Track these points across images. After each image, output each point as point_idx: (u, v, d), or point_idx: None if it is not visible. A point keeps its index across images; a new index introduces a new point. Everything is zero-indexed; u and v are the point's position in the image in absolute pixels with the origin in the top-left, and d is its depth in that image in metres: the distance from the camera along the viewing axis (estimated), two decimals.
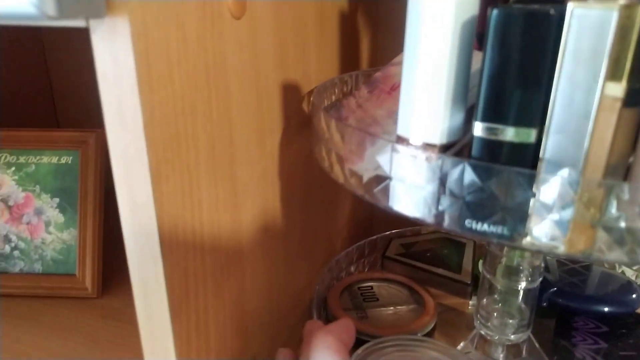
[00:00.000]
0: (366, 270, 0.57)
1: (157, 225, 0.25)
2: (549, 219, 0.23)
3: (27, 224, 0.53)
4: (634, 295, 0.46)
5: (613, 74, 0.22)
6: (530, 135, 0.25)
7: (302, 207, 0.43)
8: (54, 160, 0.53)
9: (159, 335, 0.26)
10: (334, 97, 0.43)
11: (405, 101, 0.29)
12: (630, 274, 0.52)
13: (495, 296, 0.40)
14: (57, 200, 0.53)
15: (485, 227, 0.24)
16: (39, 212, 0.53)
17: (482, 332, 0.41)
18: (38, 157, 0.53)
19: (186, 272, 0.27)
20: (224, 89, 0.29)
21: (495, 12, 0.24)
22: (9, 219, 0.53)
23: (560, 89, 0.23)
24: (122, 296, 0.53)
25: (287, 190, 0.39)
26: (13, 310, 0.50)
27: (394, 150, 0.27)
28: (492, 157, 0.26)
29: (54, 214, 0.53)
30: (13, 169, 0.53)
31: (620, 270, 0.52)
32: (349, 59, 0.51)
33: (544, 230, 0.23)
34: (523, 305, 0.40)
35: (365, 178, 0.28)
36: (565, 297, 0.46)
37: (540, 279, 0.39)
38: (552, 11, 0.23)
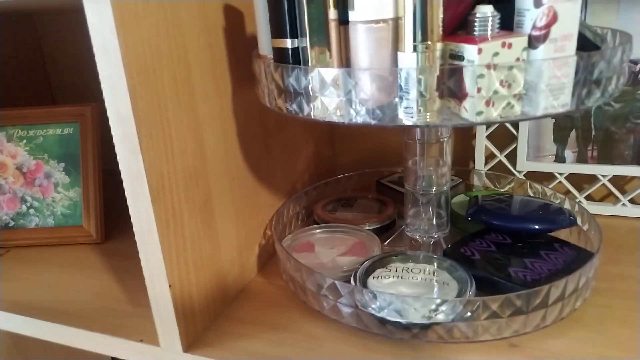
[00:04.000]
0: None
1: (136, 130, 0.35)
2: (319, 96, 0.36)
3: (39, 186, 0.63)
4: (548, 215, 0.50)
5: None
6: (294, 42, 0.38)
7: (263, 146, 0.53)
8: (58, 131, 0.63)
9: (143, 215, 0.37)
10: None
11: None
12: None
13: (418, 203, 0.50)
14: (63, 164, 0.63)
15: (286, 105, 0.39)
16: (48, 176, 0.63)
17: (411, 235, 0.51)
18: (45, 130, 0.64)
19: (161, 171, 0.38)
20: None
21: None
22: (24, 183, 0.63)
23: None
24: (123, 240, 0.63)
25: (246, 128, 0.49)
26: (32, 257, 0.61)
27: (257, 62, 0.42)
28: (281, 58, 0.39)
29: (61, 176, 0.63)
30: (25, 141, 0.63)
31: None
32: None
33: (318, 103, 0.36)
34: (438, 208, 0.50)
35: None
36: (486, 214, 0.51)
37: (448, 184, 0.49)
38: None
